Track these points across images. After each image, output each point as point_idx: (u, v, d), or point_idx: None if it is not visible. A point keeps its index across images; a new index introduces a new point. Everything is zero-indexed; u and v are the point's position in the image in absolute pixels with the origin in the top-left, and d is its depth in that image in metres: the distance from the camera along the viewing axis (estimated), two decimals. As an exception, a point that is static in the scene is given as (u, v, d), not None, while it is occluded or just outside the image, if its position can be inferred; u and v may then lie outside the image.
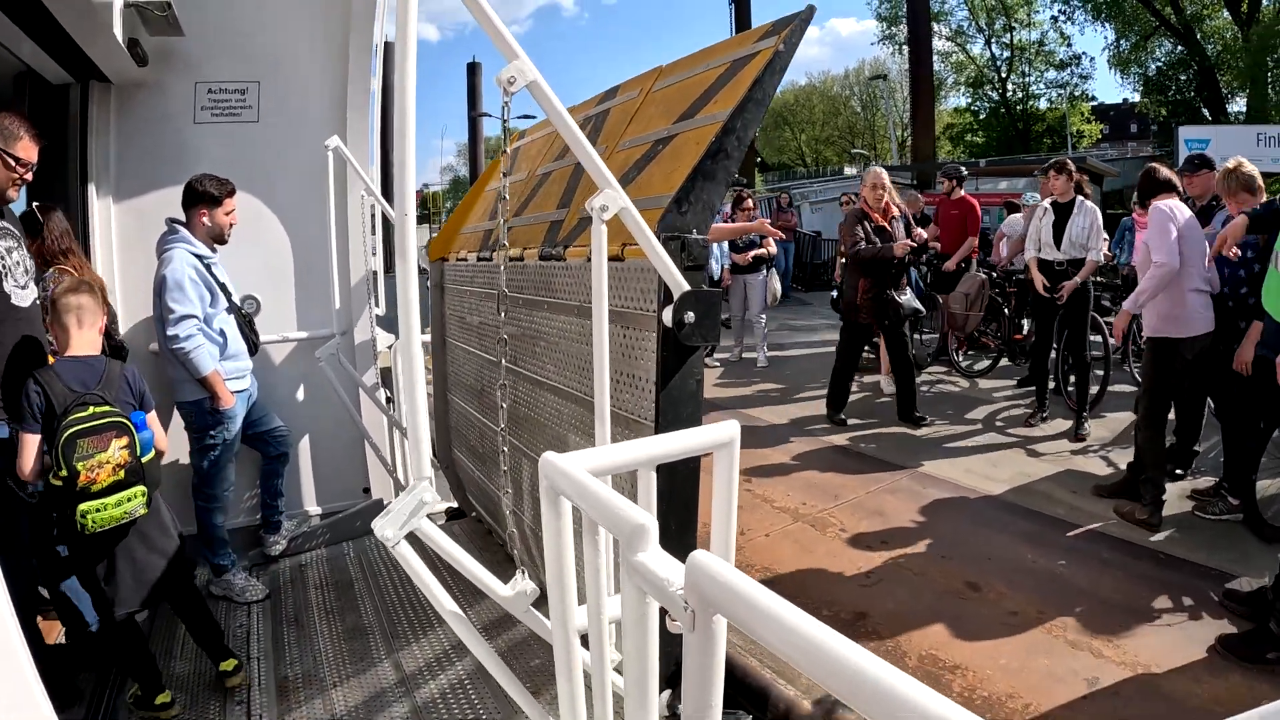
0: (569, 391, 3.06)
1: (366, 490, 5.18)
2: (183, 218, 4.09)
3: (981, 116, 40.85)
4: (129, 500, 2.96)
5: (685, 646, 1.08)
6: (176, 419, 4.31)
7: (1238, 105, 30.64)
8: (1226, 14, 30.12)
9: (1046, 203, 7.01)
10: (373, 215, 5.23)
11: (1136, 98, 37.12)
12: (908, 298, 7.14)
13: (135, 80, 4.30)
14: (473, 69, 42.20)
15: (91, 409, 2.90)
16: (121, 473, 2.92)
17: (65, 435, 2.80)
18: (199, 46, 4.42)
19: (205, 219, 4.09)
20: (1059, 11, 36.25)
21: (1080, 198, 6.87)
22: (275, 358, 4.88)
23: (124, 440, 2.94)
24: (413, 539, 1.94)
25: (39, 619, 3.35)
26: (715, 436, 1.82)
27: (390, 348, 5.33)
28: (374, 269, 5.08)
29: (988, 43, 39.45)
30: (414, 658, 3.60)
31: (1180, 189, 5.43)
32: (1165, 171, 5.43)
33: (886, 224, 7.17)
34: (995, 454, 6.72)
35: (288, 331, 4.89)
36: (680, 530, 2.41)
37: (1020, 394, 8.42)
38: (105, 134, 4.36)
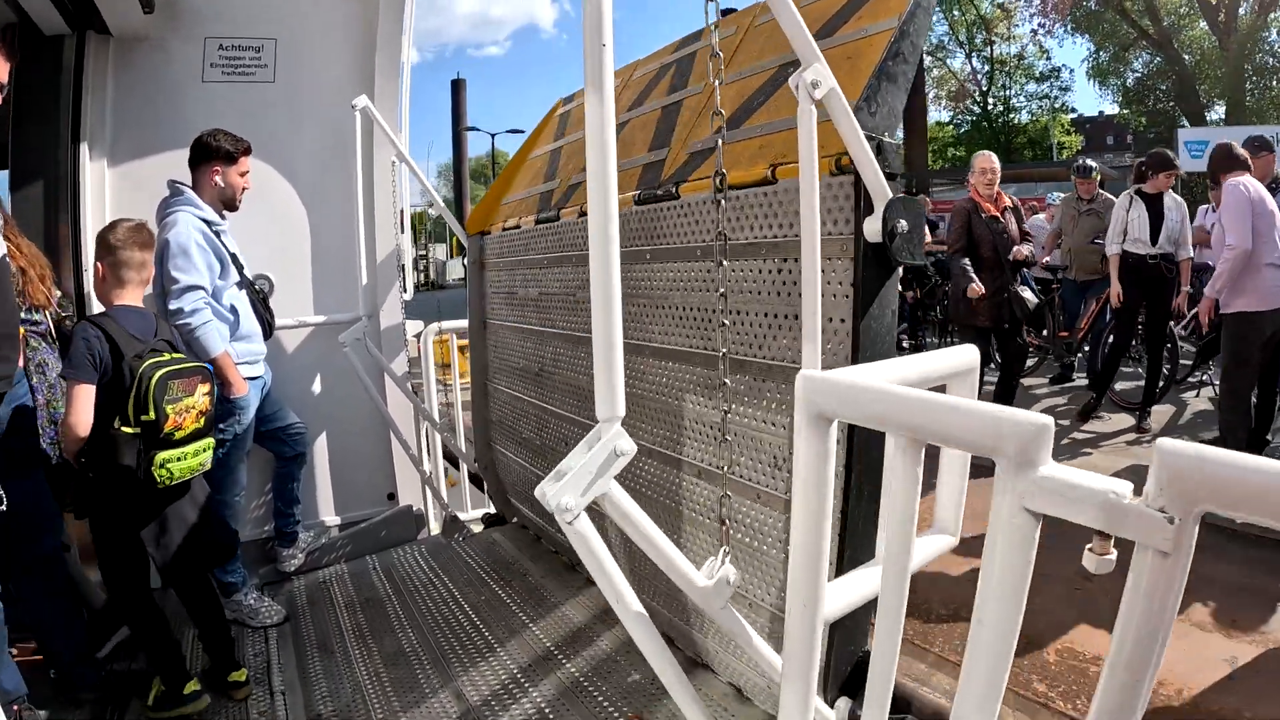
0: (688, 351, 2.65)
1: (392, 496, 4.68)
2: (188, 180, 3.64)
3: (963, 130, 41.06)
4: (204, 451, 2.89)
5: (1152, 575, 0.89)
6: None
7: (1216, 113, 30.99)
8: (1204, 24, 30.47)
9: (1131, 192, 6.69)
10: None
11: (1115, 109, 37.49)
12: (1029, 294, 6.49)
13: (138, 32, 3.86)
14: (457, 85, 41.86)
15: (169, 354, 2.80)
16: (203, 420, 2.86)
17: (158, 375, 2.67)
18: (210, -2, 3.95)
19: (217, 178, 3.65)
20: (1039, 25, 36.55)
21: (1171, 192, 6.66)
22: (288, 345, 4.39)
23: (207, 386, 2.89)
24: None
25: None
26: (956, 361, 1.61)
27: (418, 336, 4.82)
28: (402, 246, 4.55)
29: (968, 57, 39.72)
30: (478, 685, 3.07)
31: (1250, 167, 5.41)
32: (1239, 148, 5.40)
33: (999, 215, 6.38)
34: (1062, 450, 6.36)
35: (303, 315, 4.41)
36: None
37: (1058, 390, 8.25)
38: (102, 91, 3.89)
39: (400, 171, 4.53)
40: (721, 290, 1.93)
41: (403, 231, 4.59)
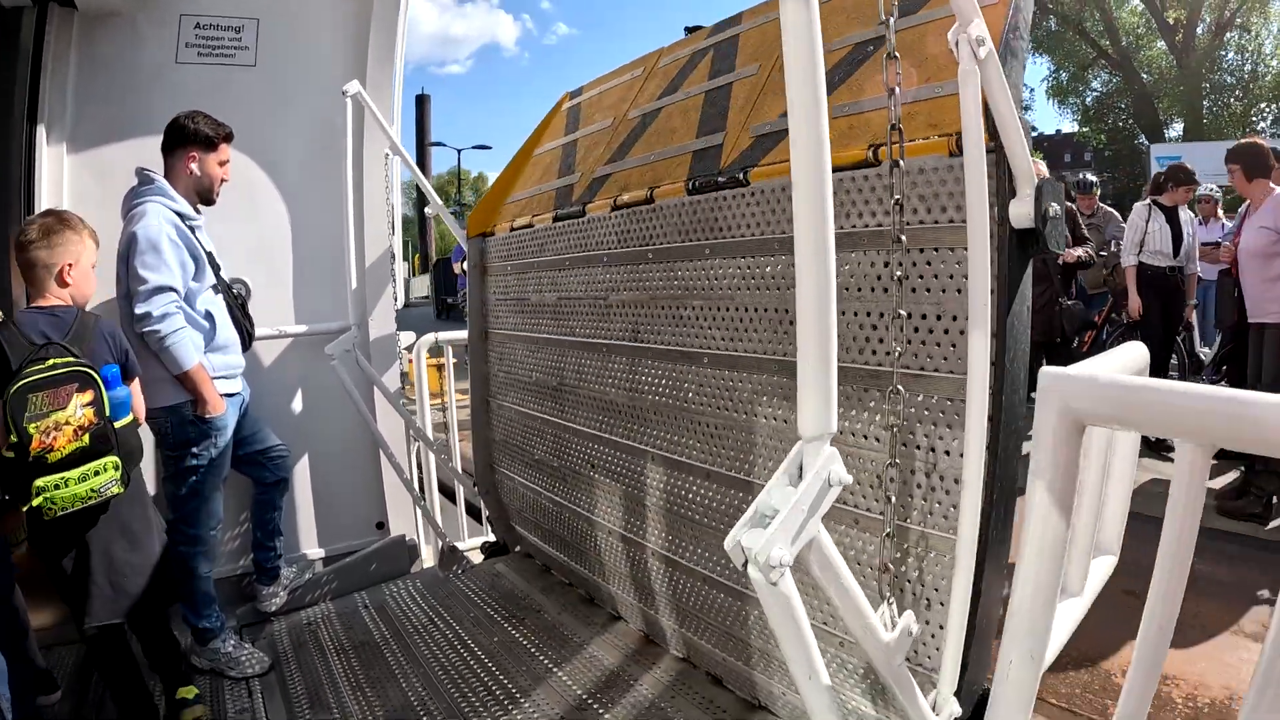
0: (760, 358, 2.35)
1: (381, 525, 4.27)
2: (159, 169, 3.26)
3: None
4: (97, 474, 2.48)
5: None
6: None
7: (1175, 130, 31.73)
8: (1162, 44, 31.19)
9: (1149, 203, 6.73)
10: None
11: (1074, 127, 38.24)
12: (1080, 307, 6.27)
13: (106, 6, 3.49)
14: (421, 101, 41.51)
15: (51, 360, 2.45)
16: (86, 437, 2.45)
17: (14, 389, 2.34)
18: (187, -30, 3.59)
19: (194, 165, 3.29)
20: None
21: (1185, 207, 6.79)
22: (265, 358, 3.99)
23: (88, 395, 2.47)
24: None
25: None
26: (1128, 361, 1.54)
27: (410, 348, 4.43)
28: (393, 248, 4.17)
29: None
30: (502, 743, 2.69)
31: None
32: (1264, 145, 5.34)
33: None
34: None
35: (284, 324, 4.01)
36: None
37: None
38: (63, 70, 3.50)
39: (393, 166, 4.15)
40: (899, 275, 1.61)
41: (393, 232, 4.20)
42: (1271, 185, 5.08)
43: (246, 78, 3.79)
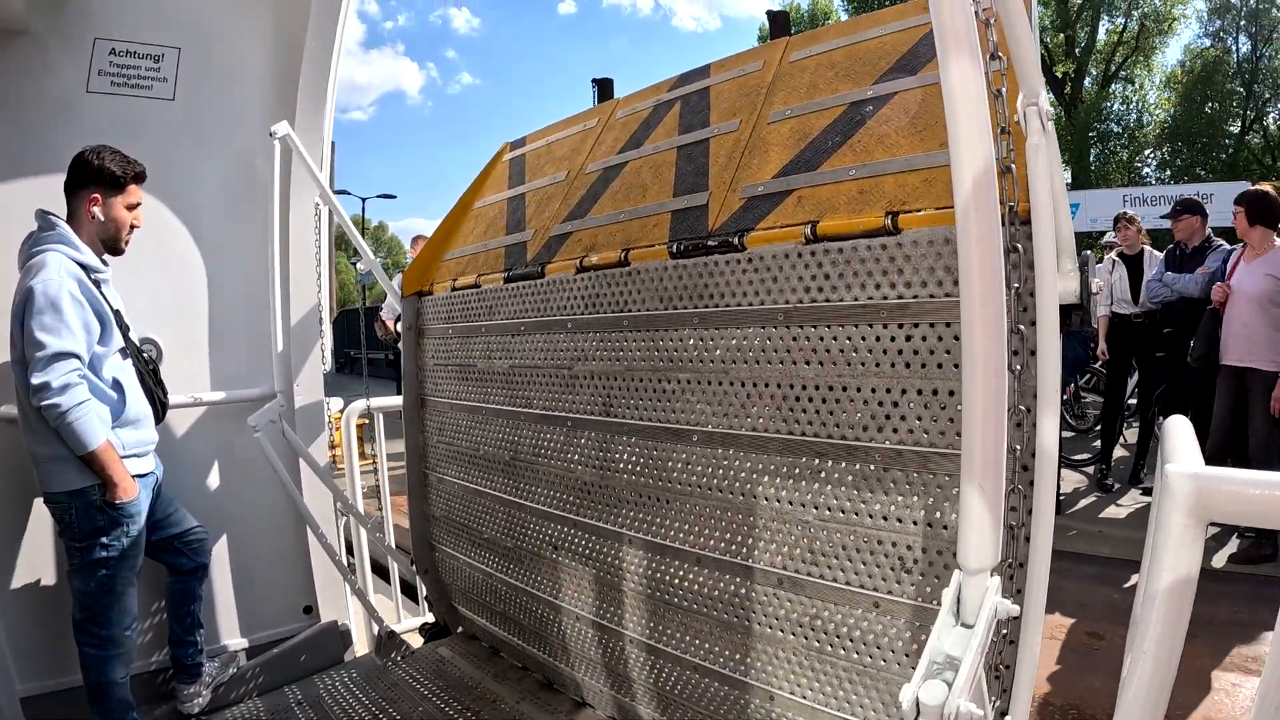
0: (760, 436, 2.26)
1: (309, 610, 3.93)
2: (62, 211, 2.98)
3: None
4: None
5: None
6: (40, 518, 3.17)
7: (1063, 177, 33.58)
8: (1051, 95, 33.07)
9: (1114, 255, 7.32)
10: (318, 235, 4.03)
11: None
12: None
13: (13, 23, 3.20)
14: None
15: None
16: None
17: None
18: (104, -9, 3.32)
19: (96, 209, 3.00)
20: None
21: (1149, 249, 7.26)
22: (178, 429, 3.67)
23: None
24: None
25: None
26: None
27: (342, 412, 4.13)
28: (322, 307, 3.89)
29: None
30: None
31: None
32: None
33: None
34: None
35: (199, 390, 3.68)
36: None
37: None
38: (-43, 94, 3.13)
39: (323, 216, 3.89)
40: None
41: (321, 289, 3.93)
42: (1273, 235, 5.38)
43: (163, 112, 3.51)
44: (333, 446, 4.23)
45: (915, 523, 1.93)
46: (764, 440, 2.24)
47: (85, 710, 3.33)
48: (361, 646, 4.17)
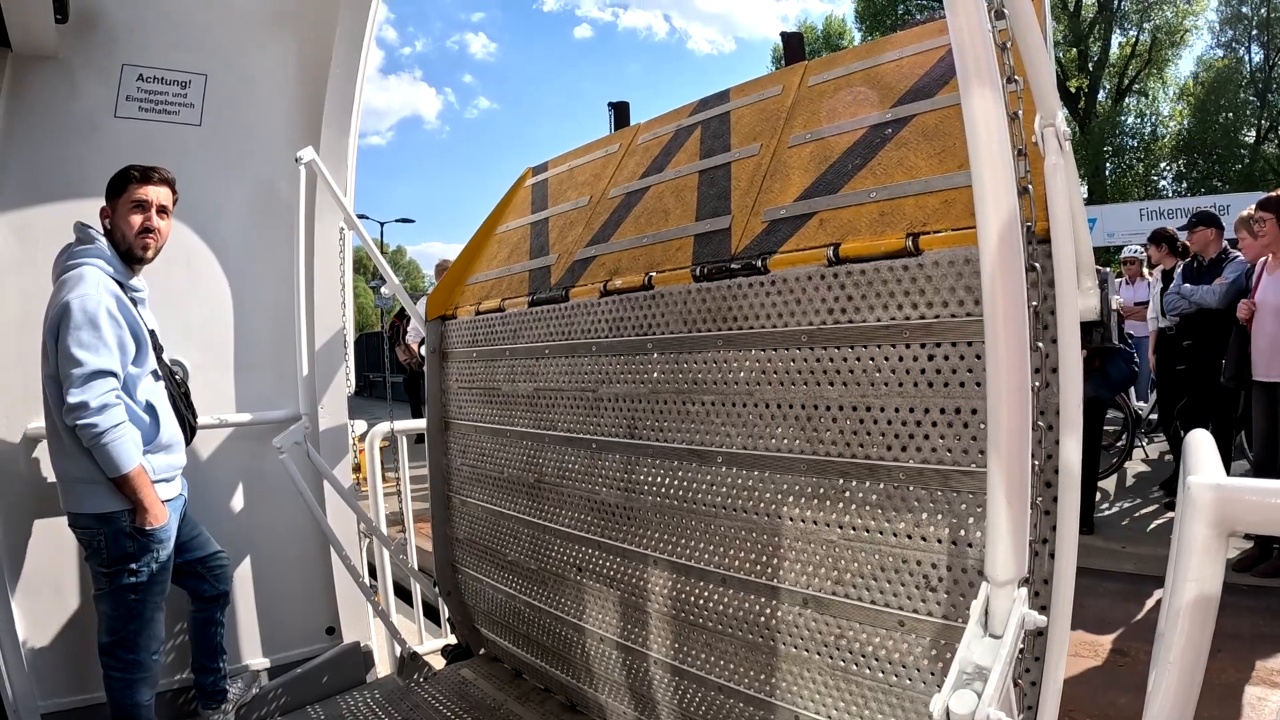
0: (785, 457, 2.28)
1: (332, 630, 3.96)
2: (99, 225, 2.99)
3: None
4: None
5: None
6: (64, 535, 3.12)
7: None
8: (1065, 110, 33.02)
9: (1157, 274, 7.59)
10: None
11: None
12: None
13: (43, 49, 3.28)
14: (342, 170, 41.32)
15: None
16: None
17: None
18: (132, 18, 3.46)
19: (107, 222, 3.02)
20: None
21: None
22: (203, 450, 3.75)
23: None
24: None
25: None
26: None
27: (362, 437, 4.17)
28: (346, 330, 3.95)
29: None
30: None
31: None
32: None
33: None
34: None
35: (224, 413, 3.76)
36: None
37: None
38: (-10, 117, 3.23)
39: (347, 240, 3.95)
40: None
41: (346, 313, 3.98)
42: None
43: (190, 137, 3.61)
44: (356, 469, 4.26)
45: (940, 540, 1.94)
46: (789, 461, 2.26)
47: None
48: (384, 668, 4.20)
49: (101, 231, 2.96)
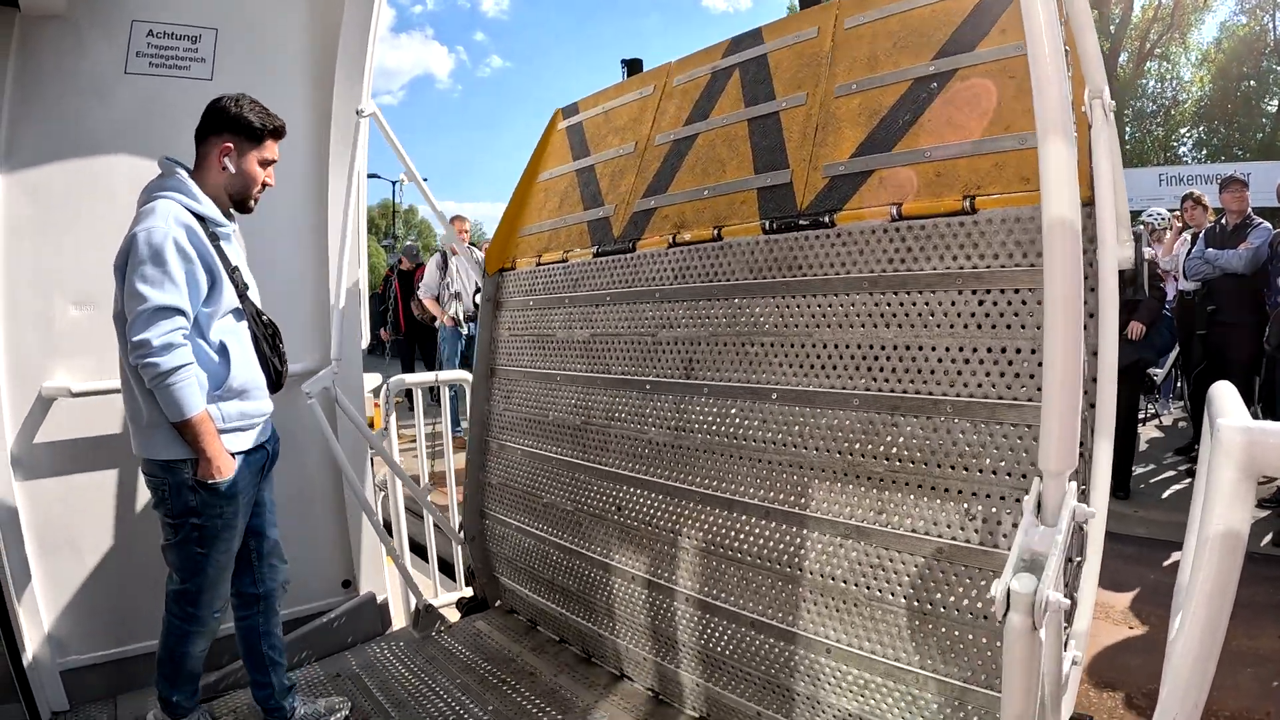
0: (841, 394, 2.44)
1: (347, 584, 4.01)
2: (185, 162, 2.80)
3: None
4: None
5: None
6: (82, 493, 3.29)
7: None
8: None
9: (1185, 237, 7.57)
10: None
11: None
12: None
13: (51, 7, 3.25)
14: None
15: None
16: None
17: None
18: (140, -27, 3.45)
19: (228, 160, 2.80)
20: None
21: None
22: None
23: None
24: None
25: None
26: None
27: (375, 391, 4.18)
28: (361, 284, 3.96)
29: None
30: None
31: None
32: None
33: None
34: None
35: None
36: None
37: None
38: (-1, 78, 3.25)
39: (360, 195, 3.93)
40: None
41: (360, 265, 3.98)
42: None
43: (202, 91, 3.54)
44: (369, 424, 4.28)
45: (980, 470, 2.11)
46: (844, 397, 2.42)
47: (126, 681, 3.44)
48: (399, 621, 4.25)
49: (213, 166, 2.80)
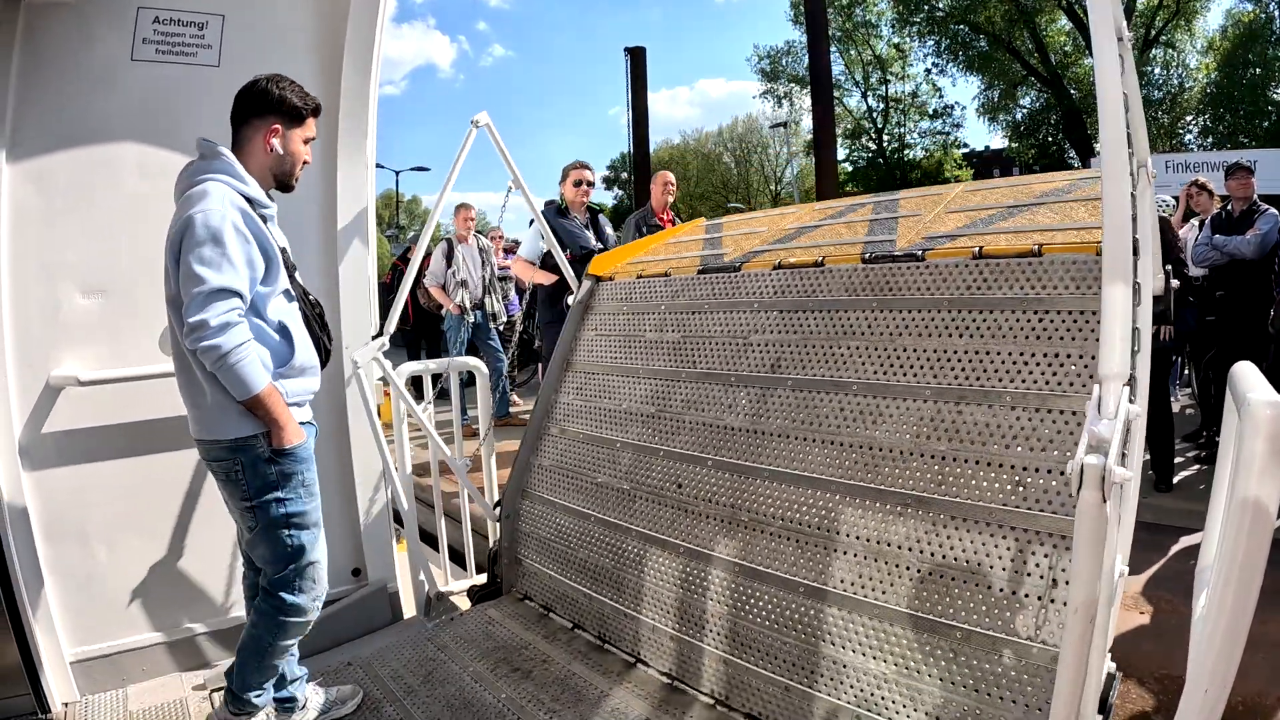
0: (915, 386, 2.79)
1: (357, 572, 4.00)
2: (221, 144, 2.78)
3: (861, 166, 42.87)
4: None
5: None
6: (93, 484, 3.29)
7: (1103, 145, 33.12)
8: (1090, 61, 32.55)
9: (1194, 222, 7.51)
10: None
11: (1004, 143, 39.87)
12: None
13: (55, -6, 3.27)
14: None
15: None
16: None
17: None
18: (146, -40, 3.45)
19: (275, 141, 2.80)
20: (932, 65, 38.82)
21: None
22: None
23: None
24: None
25: None
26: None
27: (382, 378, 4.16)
28: (370, 273, 3.98)
29: (864, 96, 41.65)
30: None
31: None
32: None
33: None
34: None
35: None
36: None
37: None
38: (4, 67, 3.20)
39: (370, 185, 3.93)
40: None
41: (370, 256, 4.00)
42: None
43: (208, 78, 3.58)
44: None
45: (1032, 449, 2.43)
46: (917, 389, 2.77)
47: (137, 671, 3.46)
48: (409, 609, 4.24)
49: (258, 147, 2.79)
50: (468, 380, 5.02)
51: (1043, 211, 2.94)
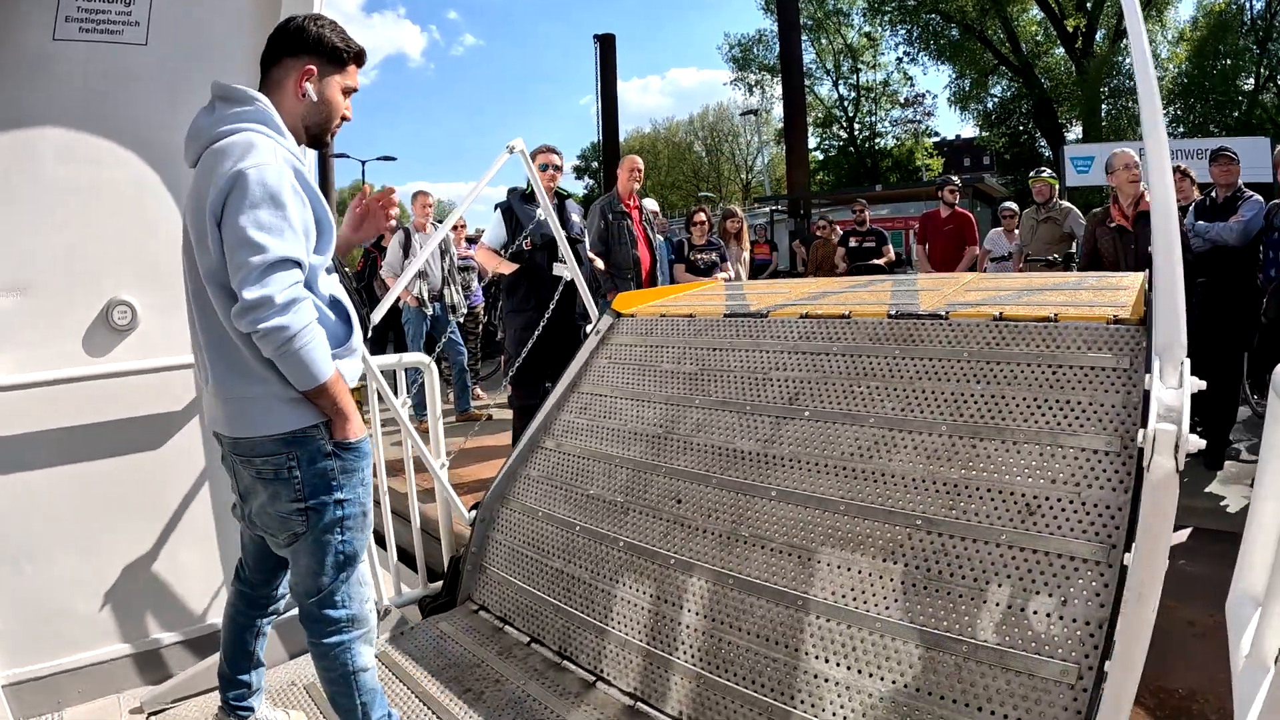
0: (933, 421, 2.90)
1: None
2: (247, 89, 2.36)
3: (832, 154, 43.11)
4: None
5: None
6: (19, 498, 3.07)
7: (1074, 133, 33.71)
8: (1061, 50, 32.91)
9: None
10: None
11: (975, 132, 40.30)
12: None
13: (-32, -24, 3.05)
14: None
15: None
16: None
17: None
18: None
19: (310, 85, 2.41)
20: (904, 53, 39.06)
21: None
22: (176, 388, 3.55)
23: None
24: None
25: None
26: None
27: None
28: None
29: (835, 84, 41.86)
30: None
31: None
32: None
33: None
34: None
35: (176, 355, 3.47)
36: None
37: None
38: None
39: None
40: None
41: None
42: None
43: (134, 58, 3.34)
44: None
45: (1043, 480, 2.52)
46: (933, 423, 2.89)
47: (73, 694, 3.24)
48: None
49: (291, 93, 2.41)
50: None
51: (1054, 294, 3.28)
